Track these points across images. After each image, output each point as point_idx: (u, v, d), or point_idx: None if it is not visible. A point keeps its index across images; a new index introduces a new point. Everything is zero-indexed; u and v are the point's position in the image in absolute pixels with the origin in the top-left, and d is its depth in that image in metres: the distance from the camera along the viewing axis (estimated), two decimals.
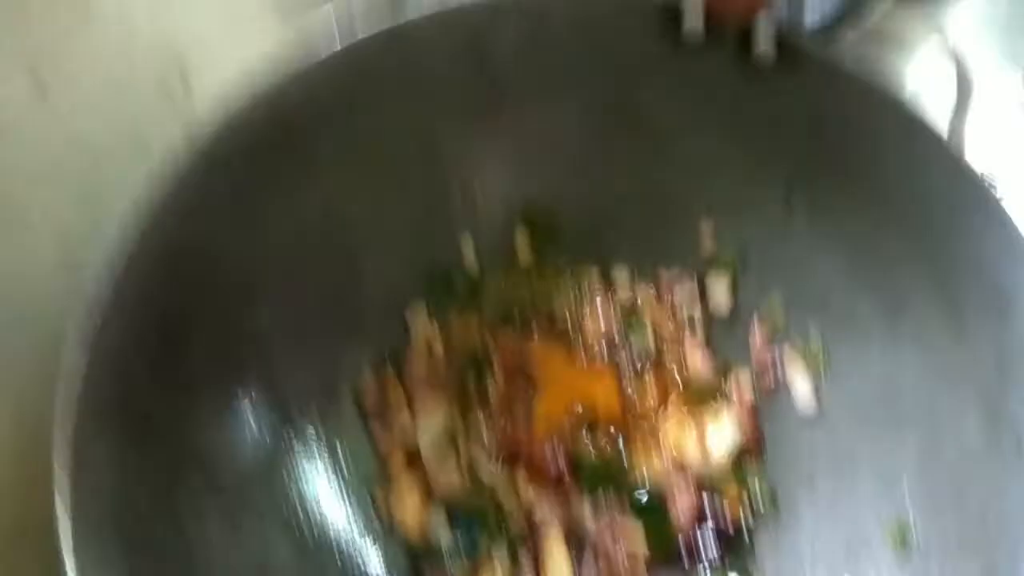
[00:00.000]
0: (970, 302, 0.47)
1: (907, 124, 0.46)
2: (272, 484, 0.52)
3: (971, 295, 0.47)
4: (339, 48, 0.47)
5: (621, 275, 0.59)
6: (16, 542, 0.53)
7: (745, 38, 0.48)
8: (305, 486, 0.53)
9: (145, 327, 0.44)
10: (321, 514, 0.53)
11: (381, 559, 0.54)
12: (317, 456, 0.54)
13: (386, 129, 0.52)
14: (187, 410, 0.47)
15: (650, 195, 0.57)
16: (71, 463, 0.40)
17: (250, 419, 0.51)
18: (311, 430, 0.54)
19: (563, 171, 0.57)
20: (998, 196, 0.45)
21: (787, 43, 0.48)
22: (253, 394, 0.51)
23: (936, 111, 0.47)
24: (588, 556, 0.54)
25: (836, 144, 0.49)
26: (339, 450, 0.55)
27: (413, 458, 0.56)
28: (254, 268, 0.50)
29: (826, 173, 0.51)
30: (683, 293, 0.58)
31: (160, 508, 0.44)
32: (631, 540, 0.53)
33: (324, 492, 0.54)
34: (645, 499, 0.54)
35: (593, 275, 0.59)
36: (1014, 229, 0.45)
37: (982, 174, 0.46)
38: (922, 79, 0.58)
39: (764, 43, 0.48)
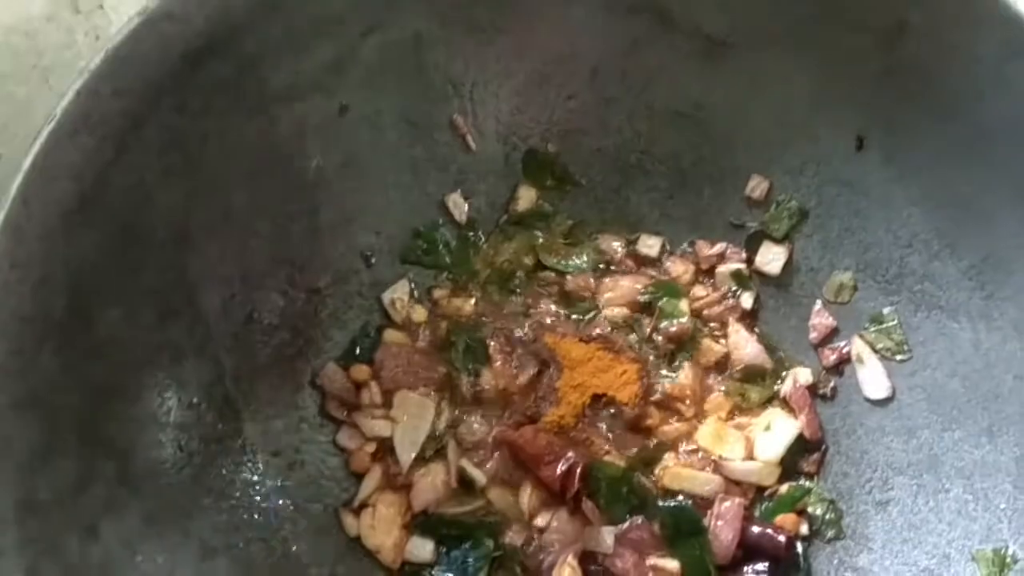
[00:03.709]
0: None
1: (1013, 35, 0.44)
2: (206, 492, 0.50)
3: None
4: None
5: (650, 246, 0.58)
6: None
7: None
8: (248, 496, 0.52)
9: (45, 290, 0.42)
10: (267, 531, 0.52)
11: None
12: (269, 464, 0.53)
13: (351, 29, 0.49)
14: (103, 395, 0.45)
15: (687, 139, 0.56)
16: None
17: (183, 416, 0.49)
18: (262, 434, 0.53)
19: (577, 100, 0.55)
20: None
21: None
22: (183, 384, 0.49)
23: None
24: None
25: (923, 62, 0.47)
26: (299, 459, 0.54)
27: (390, 468, 0.55)
28: (181, 217, 0.48)
29: (909, 102, 0.49)
30: (728, 268, 0.57)
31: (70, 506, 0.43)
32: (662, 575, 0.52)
33: (276, 508, 0.52)
34: (678, 517, 0.53)
35: (613, 242, 0.58)
36: None
37: None
38: None
39: None
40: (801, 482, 0.54)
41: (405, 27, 0.51)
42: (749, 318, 0.57)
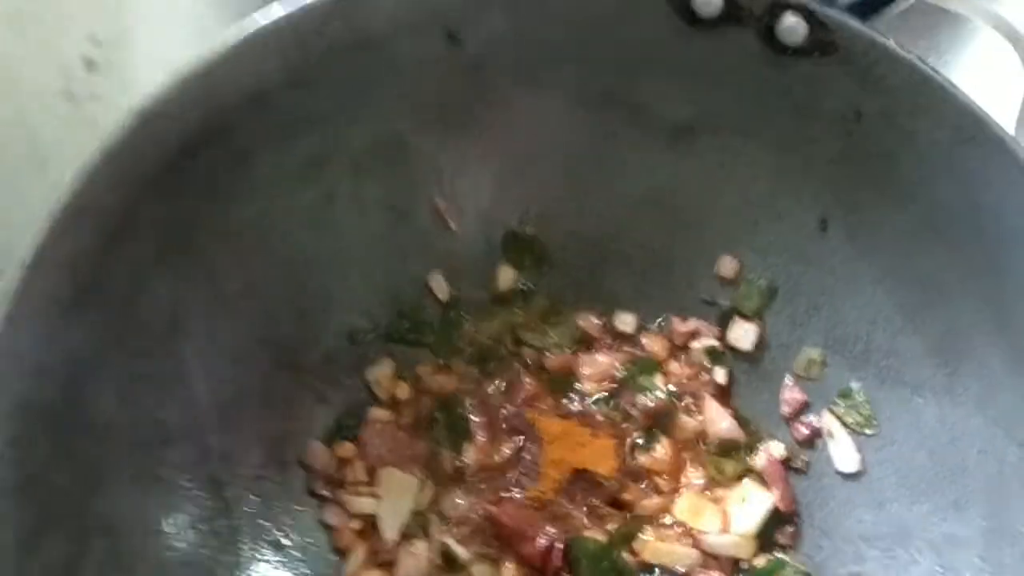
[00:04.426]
0: None
1: (964, 122, 0.46)
2: (193, 573, 0.50)
3: None
4: (279, 16, 0.46)
5: (625, 322, 0.60)
6: None
7: (771, 13, 0.48)
8: None
9: (42, 379, 0.44)
10: None
11: None
12: (255, 545, 0.53)
13: (337, 125, 0.51)
14: (95, 476, 0.46)
15: (659, 222, 0.58)
16: None
17: (172, 496, 0.50)
18: (248, 514, 0.54)
19: (553, 186, 0.58)
20: None
21: (820, 19, 0.47)
22: (173, 465, 0.50)
23: (999, 105, 0.46)
24: None
25: (879, 147, 0.49)
26: (284, 538, 0.55)
27: (374, 545, 0.55)
28: (175, 303, 0.49)
29: (868, 185, 0.51)
30: (702, 344, 0.59)
31: None
32: None
33: None
34: None
35: (591, 319, 0.60)
36: None
37: None
38: (981, 65, 0.58)
39: (793, 19, 0.47)
40: (776, 554, 0.55)
41: (386, 123, 0.53)
42: (723, 393, 0.58)
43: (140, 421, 0.48)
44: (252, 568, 0.53)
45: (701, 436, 0.58)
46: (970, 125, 0.47)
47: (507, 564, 0.55)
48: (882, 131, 0.49)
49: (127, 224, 0.46)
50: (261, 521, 0.54)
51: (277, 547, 0.54)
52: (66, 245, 0.44)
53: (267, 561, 0.54)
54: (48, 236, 0.43)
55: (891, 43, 0.47)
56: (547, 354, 0.59)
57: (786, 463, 0.57)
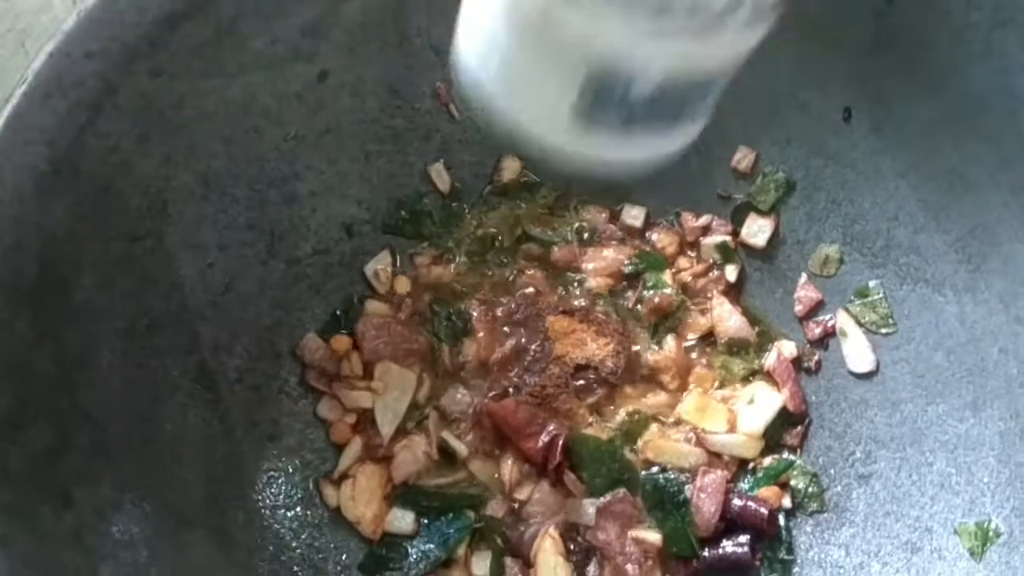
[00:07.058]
0: None
1: (1003, 2, 0.44)
2: (182, 464, 0.50)
3: None
4: None
5: (634, 216, 0.58)
6: None
7: None
8: (225, 468, 0.52)
9: (19, 257, 0.42)
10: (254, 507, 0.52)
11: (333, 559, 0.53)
12: (249, 436, 0.53)
13: None
14: (78, 363, 0.45)
15: None
16: None
17: (160, 385, 0.49)
18: (240, 405, 0.53)
19: None
20: None
21: None
22: (160, 353, 0.49)
23: None
24: (592, 563, 0.52)
25: (912, 31, 0.47)
26: (278, 430, 0.54)
27: (371, 439, 0.55)
28: (158, 184, 0.47)
29: (897, 72, 0.49)
30: (713, 240, 0.57)
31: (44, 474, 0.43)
32: (644, 547, 0.52)
33: (255, 479, 0.53)
34: (661, 490, 0.53)
35: (598, 212, 0.58)
36: None
37: None
38: None
39: None
40: (784, 455, 0.54)
41: None
42: (733, 291, 0.57)
43: (123, 306, 0.47)
44: (245, 458, 0.52)
45: (710, 334, 0.56)
46: (1009, 5, 0.44)
47: (507, 460, 0.54)
48: (915, 13, 0.47)
49: (107, 97, 0.44)
50: (254, 412, 0.53)
51: (271, 439, 0.53)
52: (42, 116, 0.42)
53: (260, 453, 0.53)
54: (23, 105, 0.41)
55: None
56: (553, 248, 0.57)
57: (797, 363, 0.55)
